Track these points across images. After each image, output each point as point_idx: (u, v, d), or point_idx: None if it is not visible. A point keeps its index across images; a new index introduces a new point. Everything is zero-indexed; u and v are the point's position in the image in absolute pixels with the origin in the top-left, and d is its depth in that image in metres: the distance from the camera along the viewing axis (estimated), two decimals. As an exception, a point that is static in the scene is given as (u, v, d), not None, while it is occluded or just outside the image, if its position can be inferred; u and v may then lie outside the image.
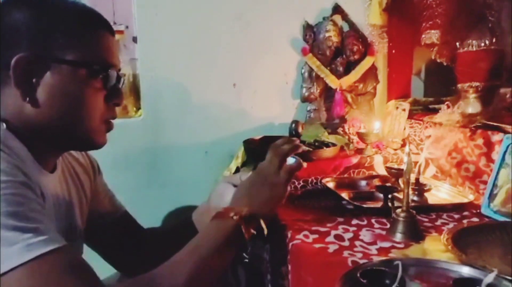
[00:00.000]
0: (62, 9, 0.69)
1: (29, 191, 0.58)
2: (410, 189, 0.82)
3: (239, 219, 0.70)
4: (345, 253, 0.73)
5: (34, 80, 0.66)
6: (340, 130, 1.51)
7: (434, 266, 0.65)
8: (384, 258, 0.69)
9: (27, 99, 0.66)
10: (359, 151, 1.36)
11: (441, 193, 1.07)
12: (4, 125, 0.65)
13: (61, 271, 0.54)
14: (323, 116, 1.62)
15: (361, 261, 0.68)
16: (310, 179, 1.13)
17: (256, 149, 1.35)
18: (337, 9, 1.60)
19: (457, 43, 1.26)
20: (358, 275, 0.57)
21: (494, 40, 1.19)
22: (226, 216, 0.71)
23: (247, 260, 1.01)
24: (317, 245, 0.77)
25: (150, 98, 1.56)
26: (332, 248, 0.75)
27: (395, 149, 1.35)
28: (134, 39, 1.55)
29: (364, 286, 0.56)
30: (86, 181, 0.86)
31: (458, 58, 1.27)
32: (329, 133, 1.46)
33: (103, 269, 0.96)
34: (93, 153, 0.87)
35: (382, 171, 1.19)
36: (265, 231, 0.72)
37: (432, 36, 1.30)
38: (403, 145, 1.33)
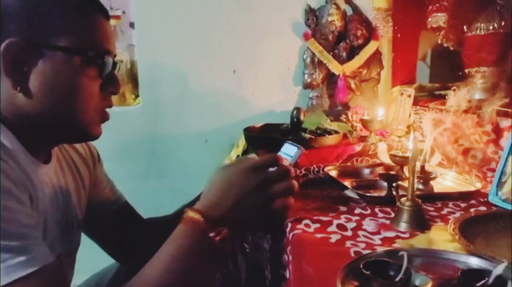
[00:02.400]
0: None
1: (13, 201, 0.55)
2: (415, 177, 0.80)
3: (218, 241, 0.61)
4: (348, 243, 0.70)
5: (25, 68, 0.62)
6: (343, 117, 1.48)
7: (440, 257, 0.63)
8: (388, 248, 0.67)
9: (18, 88, 0.62)
10: (362, 138, 1.33)
11: (446, 181, 1.05)
12: None
13: None
14: (325, 103, 1.59)
15: (364, 252, 0.66)
16: (312, 167, 1.11)
17: (257, 137, 1.33)
18: (340, -8, 1.56)
19: (465, 27, 1.23)
20: (361, 266, 0.55)
21: (502, 24, 1.16)
22: (196, 222, 0.62)
23: (247, 250, 0.99)
24: (318, 235, 0.74)
25: (148, 85, 1.54)
26: (334, 238, 0.73)
27: (400, 137, 1.32)
28: (131, 25, 1.52)
29: (367, 277, 0.54)
30: (84, 171, 0.84)
31: (466, 42, 1.25)
32: (331, 121, 1.43)
33: (101, 259, 0.95)
34: (91, 142, 0.85)
35: (386, 159, 1.17)
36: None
37: (438, 19, 1.27)
38: (408, 133, 1.30)
